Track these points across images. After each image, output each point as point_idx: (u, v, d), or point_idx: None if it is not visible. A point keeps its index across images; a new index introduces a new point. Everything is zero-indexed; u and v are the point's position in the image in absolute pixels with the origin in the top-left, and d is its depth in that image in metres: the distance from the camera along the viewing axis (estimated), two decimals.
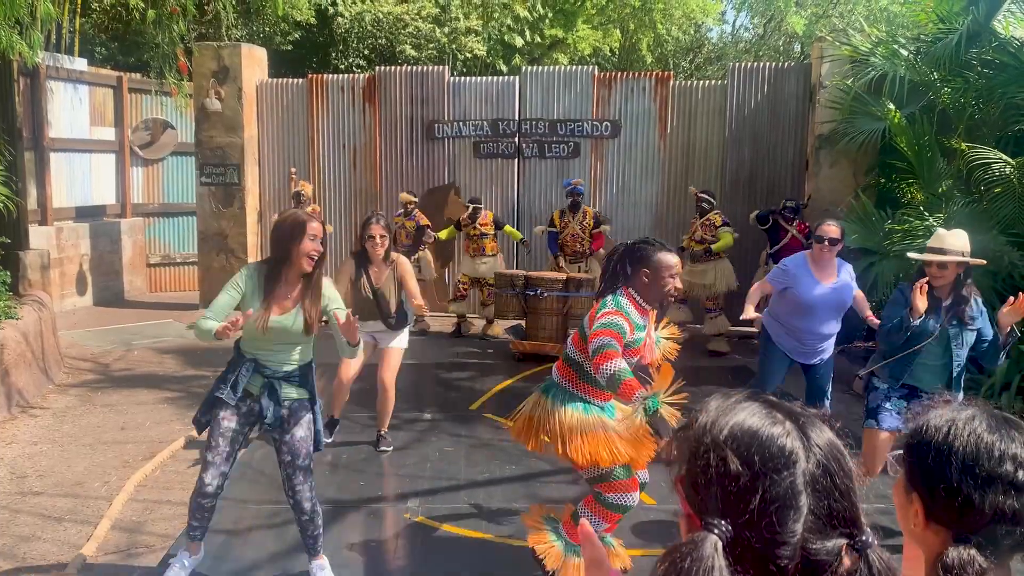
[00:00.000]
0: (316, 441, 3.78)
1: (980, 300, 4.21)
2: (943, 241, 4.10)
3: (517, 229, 10.24)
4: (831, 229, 4.86)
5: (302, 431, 3.68)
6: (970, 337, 4.16)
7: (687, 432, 1.11)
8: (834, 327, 5.04)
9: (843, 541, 1.03)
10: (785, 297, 4.97)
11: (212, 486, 3.62)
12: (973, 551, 1.23)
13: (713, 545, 0.99)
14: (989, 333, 4.18)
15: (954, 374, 4.17)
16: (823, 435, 1.07)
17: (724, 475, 1.03)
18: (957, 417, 1.31)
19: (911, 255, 4.40)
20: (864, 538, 1.03)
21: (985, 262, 4.24)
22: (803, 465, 1.03)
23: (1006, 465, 1.25)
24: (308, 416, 3.72)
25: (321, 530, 3.82)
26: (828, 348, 5.12)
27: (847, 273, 5.01)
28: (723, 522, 1.01)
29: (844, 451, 1.08)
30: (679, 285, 3.54)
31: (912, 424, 1.36)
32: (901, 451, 1.39)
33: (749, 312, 4.91)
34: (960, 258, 4.05)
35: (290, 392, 3.68)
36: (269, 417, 3.61)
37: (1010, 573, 1.32)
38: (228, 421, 3.64)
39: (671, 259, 3.50)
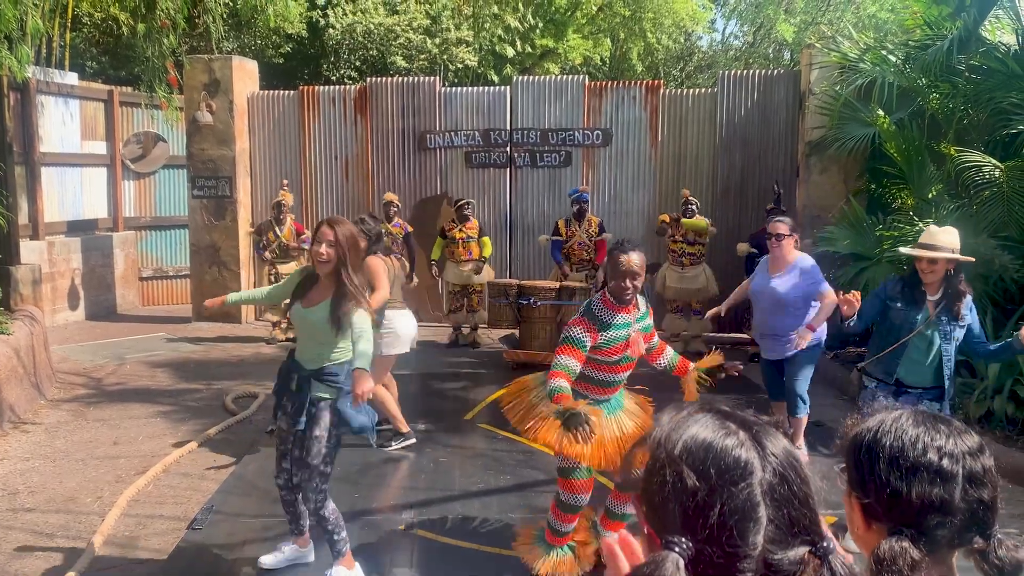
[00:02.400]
0: (353, 428, 3.86)
1: (970, 297, 4.28)
2: (934, 238, 4.20)
3: (509, 239, 10.27)
4: (778, 226, 5.24)
5: (318, 430, 3.77)
6: (959, 333, 4.23)
7: (643, 448, 1.09)
8: (783, 321, 5.23)
9: (805, 549, 1.01)
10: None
11: (280, 481, 3.96)
12: (906, 543, 1.24)
13: (675, 564, 0.97)
14: (978, 329, 4.29)
15: (945, 371, 4.26)
16: (778, 443, 1.05)
17: (681, 491, 1.01)
18: (886, 417, 1.35)
19: (903, 250, 4.50)
20: (825, 544, 1.02)
21: (974, 259, 4.33)
22: (759, 475, 1.01)
23: (930, 455, 1.28)
24: (328, 416, 3.78)
25: (338, 535, 3.85)
26: (787, 344, 5.25)
27: (799, 269, 5.23)
28: (683, 539, 0.99)
29: (800, 458, 1.07)
30: (636, 284, 3.67)
31: (850, 432, 1.39)
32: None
33: (721, 308, 5.45)
34: (950, 255, 4.14)
35: (318, 391, 3.79)
36: (300, 414, 3.77)
37: (953, 570, 1.32)
38: (280, 422, 3.91)
39: (627, 258, 3.63)
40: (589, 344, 3.64)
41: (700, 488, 1.00)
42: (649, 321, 3.93)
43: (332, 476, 4.20)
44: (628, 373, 3.90)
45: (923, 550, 1.24)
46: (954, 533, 1.28)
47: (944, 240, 4.15)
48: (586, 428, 3.20)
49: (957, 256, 4.16)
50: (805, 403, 5.36)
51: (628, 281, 3.62)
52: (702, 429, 1.05)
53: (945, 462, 1.27)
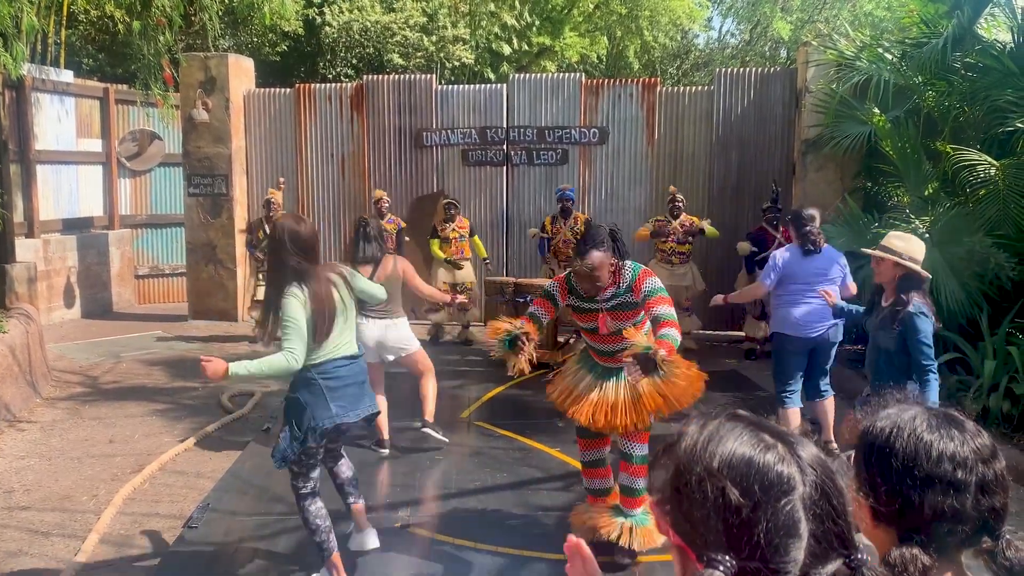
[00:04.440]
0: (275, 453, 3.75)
1: (912, 313, 4.00)
2: (888, 241, 4.22)
3: (506, 237, 10.27)
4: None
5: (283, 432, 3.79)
6: (893, 343, 4.08)
7: (669, 458, 1.07)
8: None
9: (840, 562, 1.01)
10: None
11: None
12: (916, 550, 1.25)
13: None
14: (917, 355, 4.00)
15: (884, 369, 4.20)
16: (813, 454, 1.04)
17: (724, 507, 0.99)
18: (900, 418, 1.34)
19: (864, 249, 4.52)
20: (860, 556, 1.02)
21: (929, 275, 4.30)
22: (801, 490, 1.00)
23: (944, 465, 1.28)
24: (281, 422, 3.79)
25: (317, 540, 3.77)
26: None
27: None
28: (727, 557, 0.97)
29: (834, 469, 1.06)
30: (596, 285, 3.82)
31: (862, 426, 1.38)
32: (853, 452, 1.40)
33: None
34: (896, 259, 4.07)
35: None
36: None
37: (962, 568, 1.32)
38: None
39: (580, 265, 3.78)
40: (560, 301, 4.00)
41: (744, 505, 0.98)
42: (628, 298, 3.88)
43: (327, 475, 4.19)
44: (618, 345, 3.89)
45: (933, 555, 1.24)
46: (964, 537, 1.28)
47: (896, 245, 4.14)
48: (520, 343, 3.73)
49: (903, 262, 4.07)
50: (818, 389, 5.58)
51: (588, 283, 3.83)
52: (739, 444, 1.02)
53: (959, 473, 1.27)
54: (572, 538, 1.21)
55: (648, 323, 3.84)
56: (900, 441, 1.31)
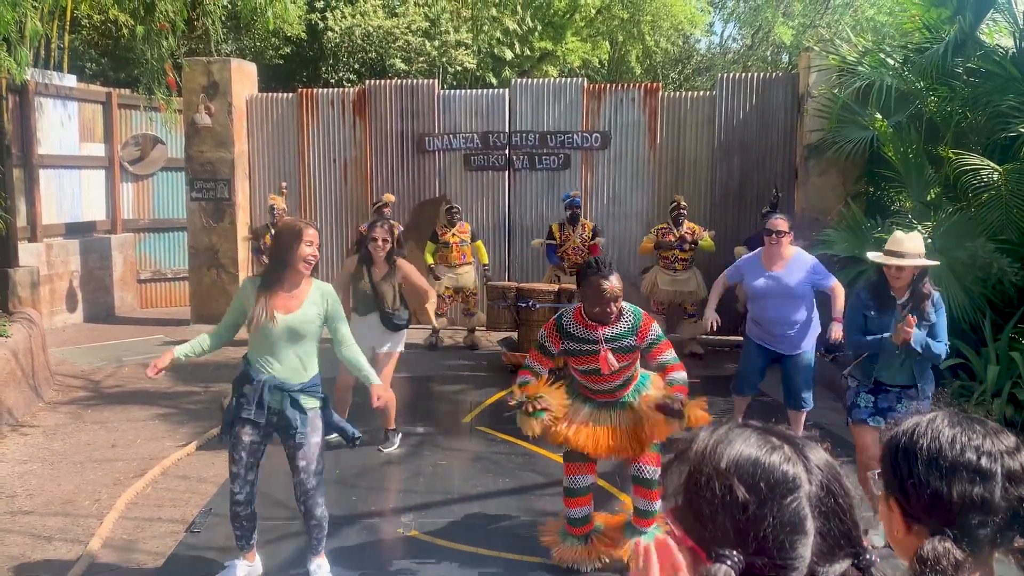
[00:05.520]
0: (348, 435, 3.96)
1: (939, 297, 4.34)
2: (901, 244, 4.26)
3: (508, 242, 10.27)
4: (778, 223, 5.41)
5: (316, 437, 3.85)
6: (924, 333, 4.25)
7: (681, 463, 1.10)
8: (792, 314, 5.35)
9: (848, 563, 1.03)
10: (745, 290, 5.60)
11: (241, 495, 3.83)
12: (948, 543, 1.24)
13: None
14: (940, 333, 4.27)
15: (916, 370, 4.31)
16: (820, 456, 1.07)
17: (731, 504, 1.02)
18: (921, 420, 1.36)
19: (871, 255, 4.53)
20: (868, 556, 1.03)
21: (938, 263, 4.36)
22: (807, 488, 1.03)
23: (968, 454, 1.29)
24: (320, 423, 3.87)
25: (326, 533, 3.98)
26: (796, 337, 5.38)
27: (800, 263, 5.37)
28: (734, 552, 1.00)
29: (841, 470, 1.08)
30: (618, 306, 3.79)
31: (886, 436, 1.40)
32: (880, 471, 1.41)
33: (710, 315, 5.54)
34: (916, 262, 4.21)
35: (309, 403, 3.83)
36: (299, 426, 3.76)
37: (992, 570, 1.32)
38: (248, 435, 3.81)
39: (610, 284, 3.73)
40: (554, 350, 3.95)
41: (751, 502, 1.01)
42: (631, 341, 3.87)
43: (331, 479, 4.22)
44: (616, 384, 3.95)
45: (966, 550, 1.24)
46: (995, 532, 1.28)
47: (910, 247, 4.22)
48: (536, 408, 3.69)
49: (923, 262, 4.23)
50: (808, 400, 5.48)
51: (612, 306, 3.75)
52: (746, 445, 1.06)
53: (984, 461, 1.28)
54: (660, 536, 1.24)
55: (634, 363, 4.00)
56: (923, 439, 1.32)
